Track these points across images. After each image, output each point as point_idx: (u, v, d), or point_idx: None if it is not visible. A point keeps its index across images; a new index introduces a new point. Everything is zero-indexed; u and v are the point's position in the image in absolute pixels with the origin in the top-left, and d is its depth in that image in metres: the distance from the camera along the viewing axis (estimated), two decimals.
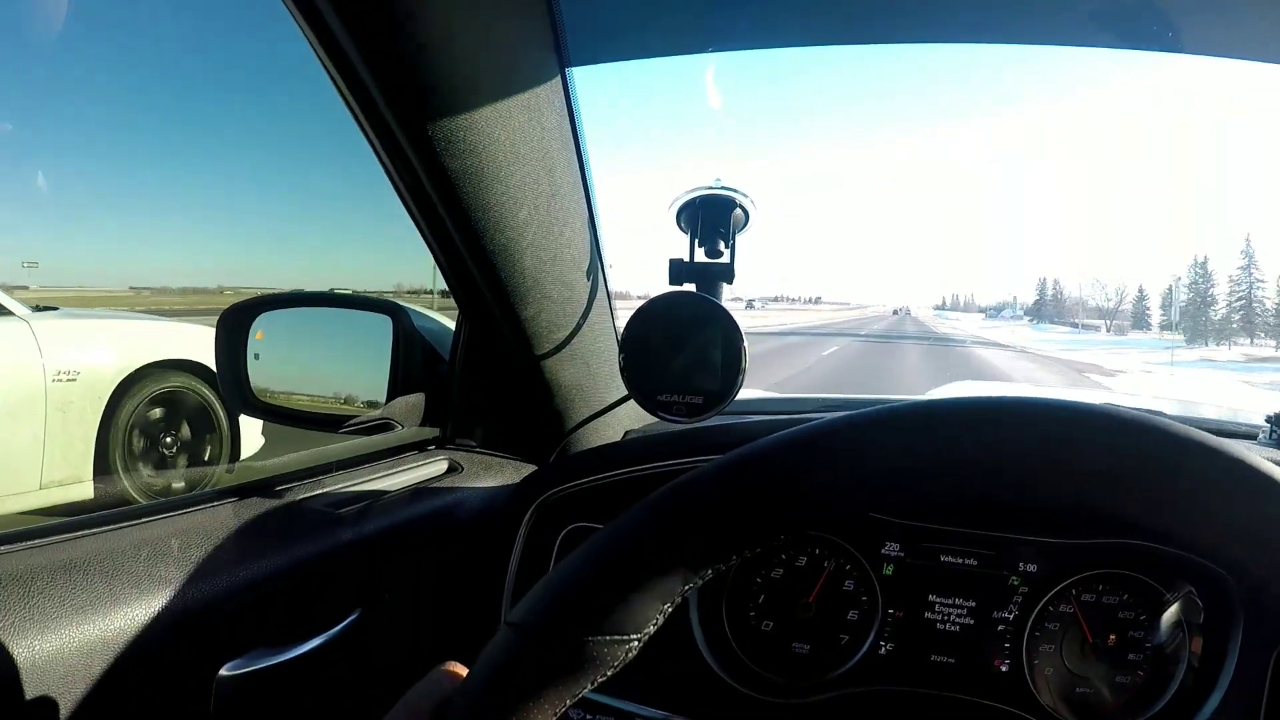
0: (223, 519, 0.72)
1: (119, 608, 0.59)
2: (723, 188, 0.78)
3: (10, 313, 3.08)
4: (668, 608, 0.39)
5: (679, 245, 0.78)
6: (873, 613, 0.75)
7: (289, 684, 0.69)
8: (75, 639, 0.56)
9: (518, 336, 0.82)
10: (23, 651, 0.53)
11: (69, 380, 3.05)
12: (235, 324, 0.91)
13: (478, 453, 0.96)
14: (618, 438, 0.97)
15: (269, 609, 0.69)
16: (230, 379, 0.91)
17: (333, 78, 0.64)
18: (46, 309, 3.35)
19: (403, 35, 0.58)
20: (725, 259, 0.78)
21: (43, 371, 2.99)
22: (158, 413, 3.37)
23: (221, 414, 3.47)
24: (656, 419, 0.99)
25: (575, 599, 0.39)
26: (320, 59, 0.62)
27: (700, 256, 0.78)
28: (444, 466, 0.92)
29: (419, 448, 0.94)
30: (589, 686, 0.38)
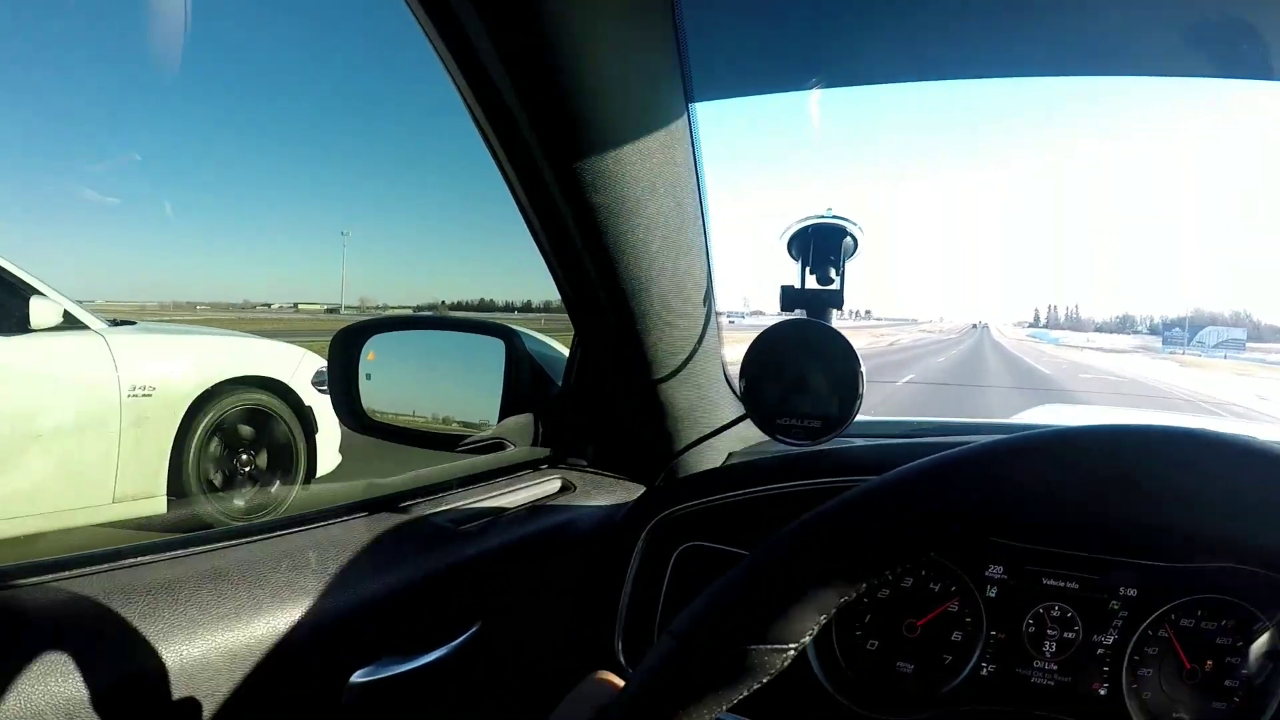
0: (355, 533, 0.75)
1: (261, 616, 0.62)
2: (834, 216, 0.80)
3: (86, 327, 3.03)
4: (823, 619, 0.41)
5: (774, 273, 0.81)
6: (976, 634, 0.76)
7: (414, 692, 0.72)
8: (221, 644, 0.59)
9: (639, 361, 0.85)
10: (171, 655, 0.56)
11: (144, 396, 2.99)
12: (347, 345, 0.96)
13: (589, 472, 0.99)
14: (721, 459, 0.99)
15: (397, 619, 0.72)
16: (343, 398, 0.95)
17: (479, 123, 0.67)
18: (124, 323, 3.31)
19: (555, 77, 0.61)
20: (835, 285, 0.81)
21: (118, 386, 2.95)
22: (234, 430, 3.29)
23: (298, 432, 3.37)
24: (757, 443, 1.02)
25: (739, 609, 0.41)
26: (469, 105, 0.65)
27: (811, 283, 0.81)
28: (557, 485, 0.95)
29: (532, 466, 0.97)
30: (743, 694, 0.40)
